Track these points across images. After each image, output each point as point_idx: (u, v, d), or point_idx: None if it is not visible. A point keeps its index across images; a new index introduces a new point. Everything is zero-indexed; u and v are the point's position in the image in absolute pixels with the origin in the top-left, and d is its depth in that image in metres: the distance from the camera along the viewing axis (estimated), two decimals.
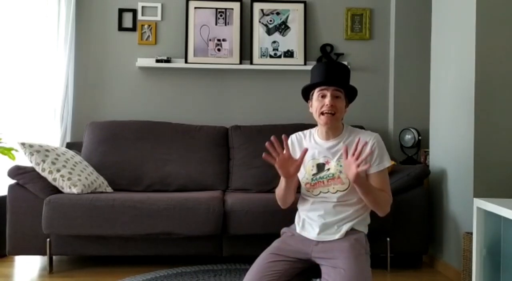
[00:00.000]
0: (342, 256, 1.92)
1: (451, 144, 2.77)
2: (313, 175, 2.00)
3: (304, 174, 2.01)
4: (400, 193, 2.80)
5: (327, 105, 1.93)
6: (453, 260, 2.69)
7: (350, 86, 1.98)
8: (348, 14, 3.71)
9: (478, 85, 2.49)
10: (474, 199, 2.00)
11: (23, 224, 2.69)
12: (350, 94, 2.00)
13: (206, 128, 3.42)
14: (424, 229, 2.83)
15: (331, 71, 1.94)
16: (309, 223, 2.03)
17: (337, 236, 1.98)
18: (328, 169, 1.98)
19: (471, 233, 2.24)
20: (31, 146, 2.77)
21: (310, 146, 2.00)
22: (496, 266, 1.85)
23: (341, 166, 1.94)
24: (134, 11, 3.63)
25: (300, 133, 2.09)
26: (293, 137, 2.08)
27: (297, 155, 2.00)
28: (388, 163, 1.95)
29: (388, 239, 2.77)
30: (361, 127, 3.48)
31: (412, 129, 3.49)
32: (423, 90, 3.42)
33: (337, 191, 1.94)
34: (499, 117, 2.49)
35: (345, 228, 1.99)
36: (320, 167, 2.00)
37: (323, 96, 1.93)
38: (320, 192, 1.99)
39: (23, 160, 2.78)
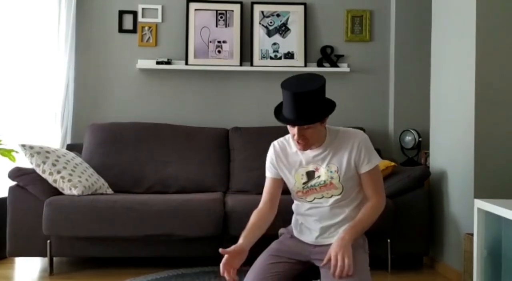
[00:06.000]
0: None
1: (451, 145, 2.77)
2: (304, 183, 1.96)
3: (294, 183, 1.97)
4: (400, 195, 2.80)
5: (296, 138, 1.85)
6: (454, 262, 2.69)
7: (321, 116, 1.82)
8: (348, 16, 3.72)
9: (479, 86, 2.49)
10: (475, 200, 2.00)
11: (23, 225, 2.68)
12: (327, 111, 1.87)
13: (206, 129, 3.42)
14: (424, 231, 2.82)
15: (296, 108, 1.78)
16: (306, 227, 2.02)
17: (333, 240, 1.97)
18: (319, 176, 1.93)
19: (472, 234, 2.23)
20: (31, 147, 2.77)
21: (295, 154, 1.95)
22: (497, 267, 1.85)
23: (331, 172, 1.91)
24: (134, 13, 3.63)
25: (282, 139, 2.00)
26: (276, 145, 2.00)
27: (281, 162, 1.96)
28: (377, 160, 1.92)
29: (388, 240, 2.77)
30: (362, 129, 3.50)
31: (412, 131, 3.49)
32: (423, 91, 3.41)
33: (332, 195, 1.92)
34: (499, 118, 2.49)
35: (341, 230, 1.98)
36: (310, 175, 1.96)
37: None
38: (315, 198, 1.96)
39: (24, 161, 2.78)
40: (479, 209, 1.98)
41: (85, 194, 2.76)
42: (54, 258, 2.76)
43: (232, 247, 1.81)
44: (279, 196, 2.05)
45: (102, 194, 2.90)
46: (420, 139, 3.45)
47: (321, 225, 1.94)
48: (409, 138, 3.51)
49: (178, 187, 3.18)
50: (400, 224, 2.77)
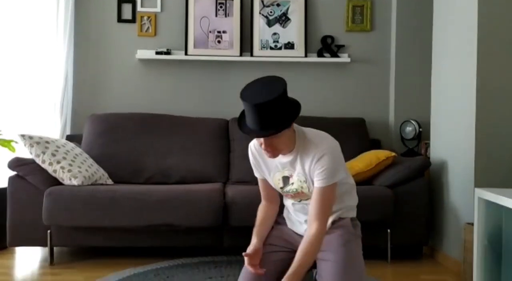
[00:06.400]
0: (331, 249, 1.91)
1: (452, 135, 2.77)
2: (281, 188, 1.97)
3: (273, 185, 1.99)
4: (400, 185, 2.80)
5: (263, 147, 1.80)
6: (454, 251, 2.70)
7: (286, 123, 1.73)
8: (349, 6, 3.69)
9: (480, 77, 2.47)
10: (475, 189, 2.00)
11: (23, 215, 2.68)
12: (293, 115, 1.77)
13: (206, 120, 3.41)
14: (424, 221, 2.83)
15: (259, 118, 1.71)
16: (296, 219, 2.04)
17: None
18: (292, 183, 1.92)
19: (472, 224, 2.23)
20: (30, 137, 2.76)
21: (269, 158, 1.90)
22: (497, 256, 1.85)
23: (301, 181, 1.88)
24: (133, 2, 3.61)
25: (256, 142, 1.91)
26: (252, 148, 1.95)
27: (260, 164, 1.95)
28: (332, 179, 1.79)
29: (388, 230, 2.77)
30: (362, 120, 3.49)
31: (412, 121, 3.48)
32: (424, 81, 3.40)
33: (308, 198, 1.90)
34: (500, 108, 2.48)
35: (329, 221, 1.98)
36: (286, 180, 1.95)
37: None
38: (294, 200, 1.98)
39: (23, 152, 2.77)
40: (479, 199, 1.98)
41: (85, 184, 2.76)
42: (55, 248, 2.77)
43: (250, 249, 1.91)
44: (275, 190, 2.05)
45: (102, 184, 2.90)
46: (420, 129, 3.44)
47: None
48: (409, 129, 3.50)
49: (178, 178, 3.17)
50: (400, 214, 2.77)
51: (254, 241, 1.95)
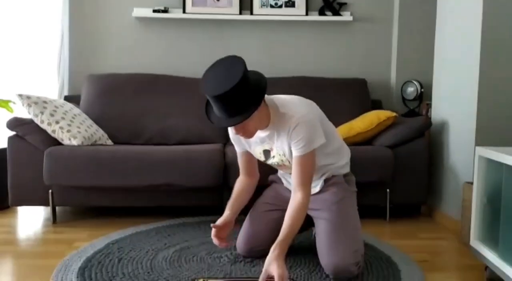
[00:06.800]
0: (325, 207, 1.94)
1: (454, 95, 2.74)
2: (263, 161, 1.98)
3: (256, 157, 2.00)
4: (401, 145, 2.80)
5: (235, 133, 1.79)
6: (452, 210, 2.73)
7: (253, 107, 1.66)
8: None
9: (485, 35, 2.42)
10: (476, 147, 1.99)
11: (24, 175, 2.69)
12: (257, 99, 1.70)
13: None
14: (423, 180, 2.84)
15: (224, 108, 1.65)
16: (288, 180, 2.05)
17: (317, 189, 2.00)
18: (273, 157, 1.93)
19: (471, 183, 2.25)
20: (28, 97, 2.73)
21: None
22: (495, 215, 1.86)
23: (280, 155, 1.89)
24: None
25: None
26: None
27: (240, 139, 1.93)
28: (310, 146, 1.78)
29: (388, 190, 2.79)
30: (363, 80, 3.45)
31: (414, 82, 3.44)
32: (427, 41, 3.34)
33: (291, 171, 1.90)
34: (504, 66, 2.44)
35: (322, 181, 1.99)
36: (266, 154, 1.95)
37: None
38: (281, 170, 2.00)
39: (22, 114, 2.75)
40: (480, 157, 1.98)
41: (84, 144, 2.75)
42: (57, 207, 2.79)
43: (220, 220, 1.94)
44: (255, 164, 2.06)
45: (101, 145, 2.90)
46: (422, 90, 3.41)
47: None
48: (411, 89, 3.46)
49: (178, 139, 3.17)
50: (400, 175, 2.78)
51: (226, 213, 1.98)
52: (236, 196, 2.03)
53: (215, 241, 1.94)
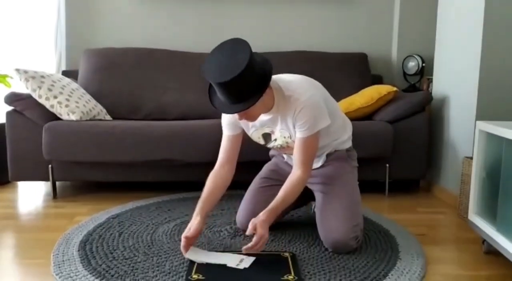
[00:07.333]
0: (326, 181, 1.95)
1: (455, 70, 2.72)
2: (263, 144, 1.95)
3: (254, 140, 1.95)
4: (401, 120, 2.79)
5: (238, 118, 1.75)
6: (451, 185, 2.74)
7: (259, 93, 1.61)
8: None
9: (488, 9, 2.38)
10: (477, 122, 1.98)
11: (23, 150, 2.69)
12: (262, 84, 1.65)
13: (205, 55, 3.32)
14: (423, 155, 2.84)
15: (228, 95, 1.61)
16: (290, 156, 2.04)
17: (319, 164, 1.99)
18: (275, 140, 1.90)
19: (471, 158, 2.24)
20: (26, 72, 2.71)
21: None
22: (494, 190, 1.87)
23: (285, 137, 1.86)
24: None
25: None
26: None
27: (237, 125, 1.90)
28: (313, 129, 1.76)
29: (387, 165, 2.79)
30: (364, 55, 3.41)
31: (416, 56, 3.41)
32: (429, 15, 3.29)
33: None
34: (507, 41, 2.41)
35: (324, 155, 1.99)
36: (267, 137, 1.92)
37: None
38: (282, 152, 1.97)
39: (20, 88, 2.73)
40: (480, 131, 1.97)
41: (83, 119, 2.74)
42: (57, 182, 2.80)
43: (192, 230, 1.75)
44: (237, 152, 1.94)
45: (100, 120, 2.88)
46: (423, 64, 3.38)
47: None
48: (412, 64, 3.43)
49: (177, 114, 3.15)
50: (400, 149, 2.78)
51: (197, 220, 1.77)
52: (208, 195, 1.85)
53: (184, 251, 1.76)
